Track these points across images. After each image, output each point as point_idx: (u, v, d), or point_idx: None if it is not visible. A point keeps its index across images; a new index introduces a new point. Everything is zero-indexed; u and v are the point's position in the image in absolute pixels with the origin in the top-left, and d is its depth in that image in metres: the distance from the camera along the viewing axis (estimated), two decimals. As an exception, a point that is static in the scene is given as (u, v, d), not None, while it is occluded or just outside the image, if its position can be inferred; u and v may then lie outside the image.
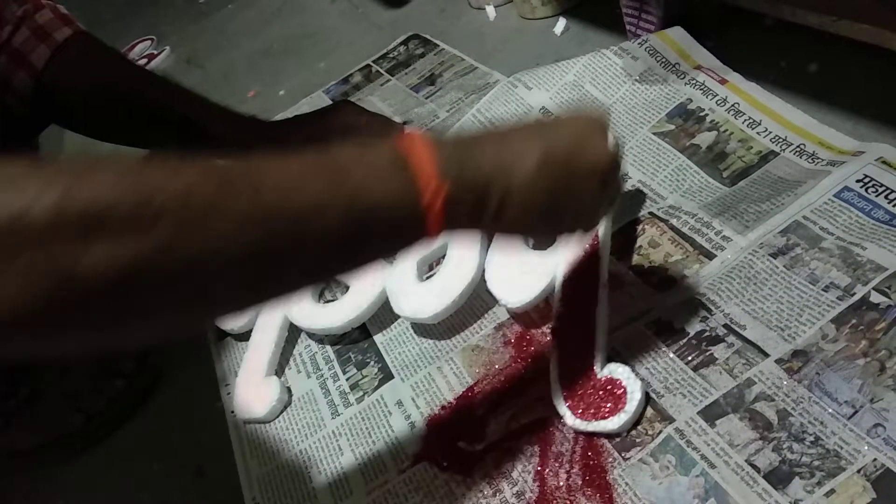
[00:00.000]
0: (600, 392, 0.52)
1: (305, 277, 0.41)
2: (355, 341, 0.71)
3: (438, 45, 1.07)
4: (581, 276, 0.57)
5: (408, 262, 0.68)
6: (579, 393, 0.52)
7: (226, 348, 0.78)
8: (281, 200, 0.36)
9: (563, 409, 0.52)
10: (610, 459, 0.50)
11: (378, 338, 0.69)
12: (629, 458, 0.49)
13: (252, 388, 0.70)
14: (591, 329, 0.54)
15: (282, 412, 0.68)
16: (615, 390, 0.51)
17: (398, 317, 0.69)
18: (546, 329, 0.60)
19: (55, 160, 0.33)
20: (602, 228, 0.58)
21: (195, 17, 1.65)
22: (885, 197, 0.54)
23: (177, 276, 0.34)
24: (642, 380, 0.52)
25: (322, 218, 0.38)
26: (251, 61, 1.35)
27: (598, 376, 0.52)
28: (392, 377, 0.65)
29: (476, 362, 0.62)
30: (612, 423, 0.50)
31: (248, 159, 0.37)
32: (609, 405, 0.51)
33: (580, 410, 0.52)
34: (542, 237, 0.51)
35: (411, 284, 0.66)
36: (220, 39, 1.50)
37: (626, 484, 0.48)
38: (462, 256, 0.65)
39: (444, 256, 0.67)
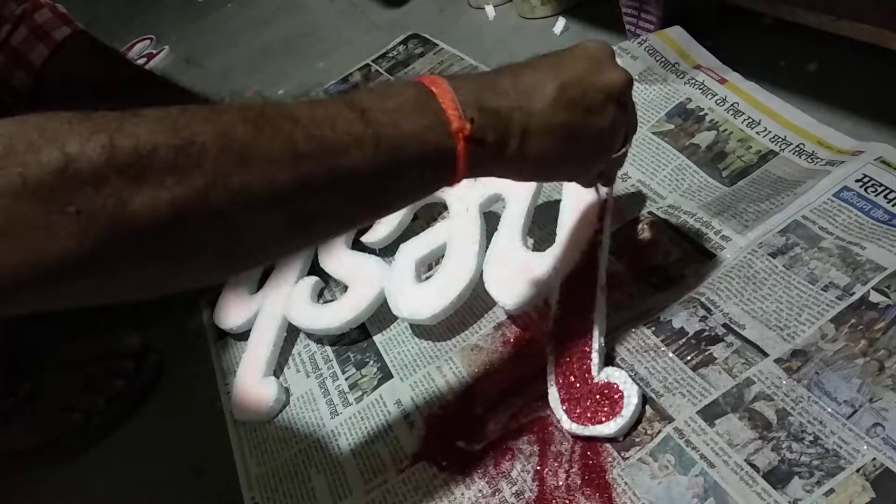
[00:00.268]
0: (597, 396, 0.52)
1: (342, 215, 0.42)
2: (354, 341, 0.71)
3: (438, 45, 1.07)
4: (579, 279, 0.57)
5: (406, 263, 0.68)
6: (576, 397, 0.52)
7: (225, 348, 0.78)
8: (314, 137, 0.37)
9: (560, 412, 0.52)
10: (609, 459, 0.50)
11: (377, 337, 0.69)
12: (628, 458, 0.49)
13: (250, 389, 0.70)
14: (589, 332, 0.54)
15: (279, 413, 0.68)
16: (612, 394, 0.51)
17: (397, 317, 0.69)
18: (545, 328, 0.60)
19: (95, 113, 0.35)
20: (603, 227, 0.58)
21: (194, 16, 1.65)
22: (885, 196, 0.54)
23: (222, 213, 0.35)
24: (639, 383, 0.52)
25: (354, 153, 0.38)
26: (250, 60, 1.35)
27: (595, 380, 0.52)
28: (391, 377, 0.65)
29: (475, 362, 0.62)
30: (609, 428, 0.50)
31: (281, 103, 0.38)
32: (606, 409, 0.51)
33: (577, 414, 0.52)
34: (564, 173, 0.52)
35: (410, 285, 0.66)
36: (219, 39, 1.50)
37: (626, 483, 0.48)
38: (460, 257, 0.65)
39: (442, 257, 0.67)
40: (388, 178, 0.41)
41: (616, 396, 0.51)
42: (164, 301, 0.38)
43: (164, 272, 0.36)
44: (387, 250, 0.74)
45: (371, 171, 0.39)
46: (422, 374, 0.63)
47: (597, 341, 0.53)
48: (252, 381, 0.70)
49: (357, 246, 0.76)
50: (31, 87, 0.74)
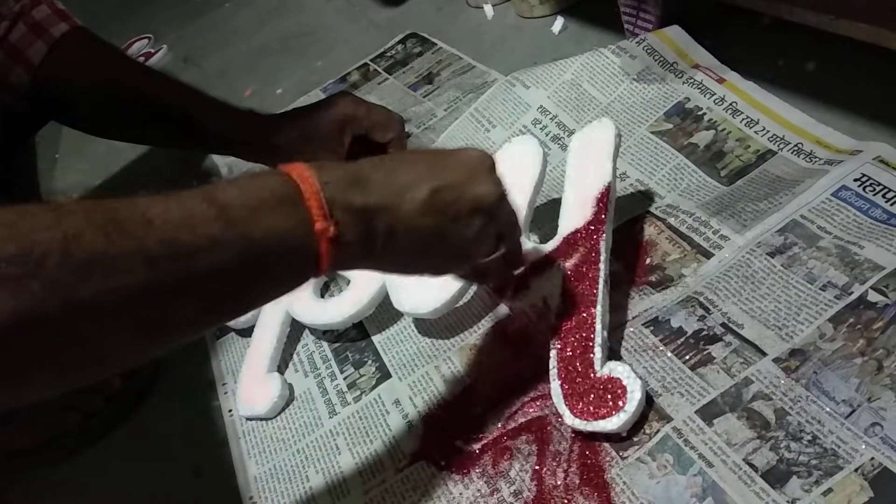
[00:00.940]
0: (600, 391, 0.51)
1: (198, 318, 0.40)
2: (353, 340, 0.71)
3: (436, 44, 1.07)
4: (581, 274, 0.57)
5: None
6: (579, 392, 0.52)
7: (224, 347, 0.78)
8: (169, 240, 0.36)
9: (563, 407, 0.52)
10: (607, 458, 0.50)
11: (376, 337, 0.69)
12: (627, 458, 0.49)
13: (254, 385, 0.69)
14: (592, 327, 0.54)
15: (284, 409, 0.68)
16: (615, 389, 0.51)
17: (396, 316, 0.69)
18: (544, 328, 0.60)
19: None
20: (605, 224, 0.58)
21: (192, 15, 1.64)
22: (883, 196, 0.54)
23: (62, 325, 0.33)
24: (642, 378, 0.52)
25: (211, 255, 0.37)
26: (248, 60, 1.35)
27: (598, 375, 0.52)
28: (390, 376, 0.65)
29: (474, 361, 0.62)
30: (612, 424, 0.50)
31: (135, 200, 0.37)
32: (609, 404, 0.50)
33: (579, 409, 0.51)
34: (428, 271, 0.52)
35: (411, 280, 0.66)
36: (217, 38, 1.50)
37: (624, 483, 0.48)
38: None
39: None
40: (247, 279, 0.40)
41: (619, 391, 0.50)
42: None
43: (8, 385, 0.34)
44: None
45: (229, 273, 0.38)
46: (420, 374, 0.63)
47: (599, 335, 0.53)
48: (256, 377, 0.70)
49: None
50: (30, 85, 0.74)
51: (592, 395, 0.51)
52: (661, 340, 0.54)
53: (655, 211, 0.64)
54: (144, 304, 0.36)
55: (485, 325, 0.64)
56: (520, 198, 0.64)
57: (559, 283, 0.58)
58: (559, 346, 0.55)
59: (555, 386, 0.54)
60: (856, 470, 0.42)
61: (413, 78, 1.02)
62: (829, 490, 0.42)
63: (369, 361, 0.68)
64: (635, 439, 0.50)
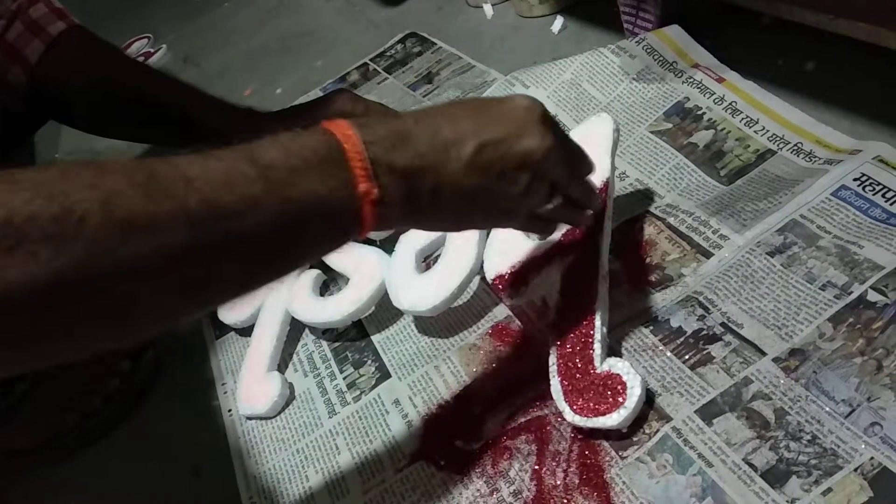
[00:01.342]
0: (599, 387, 0.51)
1: (240, 279, 0.40)
2: (352, 340, 0.71)
3: (436, 44, 1.07)
4: (581, 269, 0.57)
5: (406, 254, 0.68)
6: (578, 388, 0.52)
7: (223, 346, 0.78)
8: (209, 201, 0.36)
9: (563, 404, 0.52)
10: (607, 458, 0.50)
11: (375, 337, 0.69)
12: (626, 457, 0.49)
13: (254, 384, 0.69)
14: (591, 323, 0.54)
15: (284, 408, 0.68)
16: (615, 385, 0.51)
17: (396, 315, 0.69)
18: (544, 327, 0.60)
19: None
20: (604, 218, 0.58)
21: (192, 15, 1.64)
22: (883, 196, 0.54)
23: (106, 284, 0.33)
24: (642, 373, 0.51)
25: (252, 216, 0.37)
26: (248, 59, 1.35)
27: (598, 371, 0.52)
28: (389, 376, 0.65)
29: (473, 361, 0.62)
30: (612, 420, 0.49)
31: (174, 159, 0.36)
32: (609, 401, 0.50)
33: (579, 406, 0.51)
34: (478, 226, 0.52)
35: (410, 277, 0.66)
36: (216, 38, 1.50)
37: (624, 483, 0.48)
38: (460, 248, 0.65)
39: (442, 248, 0.67)
40: (288, 240, 0.39)
41: (619, 387, 0.50)
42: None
43: (44, 345, 0.34)
44: (388, 241, 0.74)
45: (270, 233, 0.38)
46: (420, 374, 0.63)
47: (599, 331, 0.53)
48: (256, 376, 0.70)
49: None
50: (28, 84, 0.74)
51: (592, 392, 0.51)
52: (660, 340, 0.54)
53: (655, 210, 0.64)
54: (186, 263, 0.35)
55: (484, 324, 0.64)
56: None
57: (558, 281, 0.58)
58: (559, 343, 0.55)
59: (554, 383, 0.53)
60: (855, 469, 0.42)
61: (412, 77, 1.02)
62: (829, 490, 0.42)
63: (369, 361, 0.68)
64: (635, 439, 0.50)
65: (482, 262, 0.64)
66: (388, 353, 0.67)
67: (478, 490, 0.53)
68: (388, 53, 1.11)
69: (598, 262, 0.56)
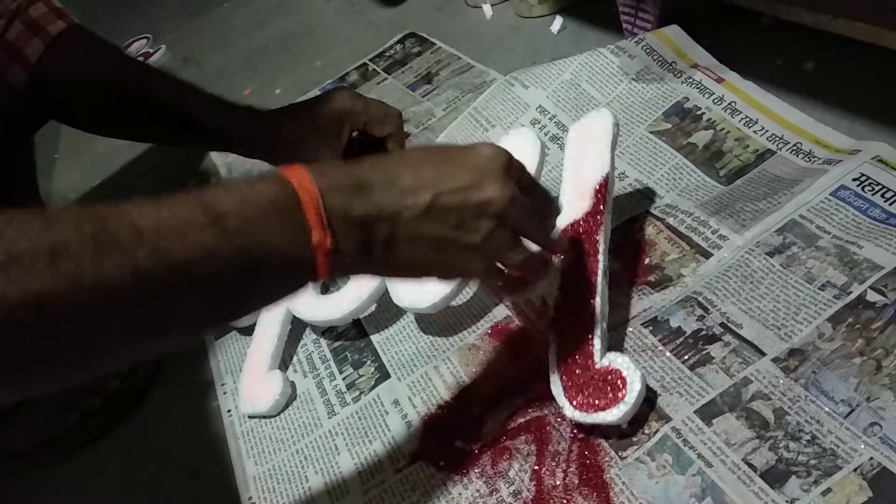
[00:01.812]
0: (599, 383, 0.51)
1: (194, 323, 0.40)
2: (352, 340, 0.71)
3: (435, 44, 1.07)
4: (580, 266, 0.57)
5: None
6: (578, 383, 0.52)
7: (223, 347, 0.78)
8: (159, 251, 0.36)
9: (563, 399, 0.52)
10: (607, 459, 0.50)
11: (375, 337, 0.69)
12: (626, 458, 0.49)
13: (255, 383, 0.69)
14: (591, 319, 0.53)
15: (286, 407, 0.68)
16: (614, 381, 0.50)
17: (395, 316, 0.69)
18: (543, 328, 0.60)
19: None
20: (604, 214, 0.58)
21: (191, 15, 1.64)
22: (882, 196, 0.54)
23: (52, 331, 0.33)
24: (642, 370, 0.51)
25: (205, 265, 0.37)
26: (248, 59, 1.35)
27: (598, 366, 0.52)
28: (389, 376, 0.65)
29: (473, 361, 0.62)
30: (611, 415, 0.49)
31: (126, 207, 0.36)
32: (608, 396, 0.50)
33: (579, 402, 0.51)
34: (436, 277, 0.50)
35: None
36: (216, 38, 1.50)
37: (623, 483, 0.48)
38: None
39: None
40: (241, 287, 0.39)
41: (619, 383, 0.50)
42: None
43: None
44: None
45: (223, 281, 0.38)
46: (419, 374, 0.63)
47: (599, 327, 0.53)
48: (257, 375, 0.70)
49: None
50: (28, 83, 0.73)
51: (592, 388, 0.51)
52: (659, 340, 0.54)
53: (654, 211, 0.64)
54: (133, 311, 0.36)
55: (484, 325, 0.64)
56: None
57: (558, 279, 0.58)
58: (558, 339, 0.55)
59: (554, 378, 0.53)
60: (855, 470, 0.42)
61: (412, 78, 1.02)
62: (828, 490, 0.42)
63: (368, 362, 0.68)
64: (634, 439, 0.50)
65: None
66: (388, 353, 0.67)
67: (477, 490, 0.53)
68: (387, 54, 1.11)
69: (597, 258, 0.56)
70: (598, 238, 0.56)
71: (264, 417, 0.68)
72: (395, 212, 0.43)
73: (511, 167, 0.47)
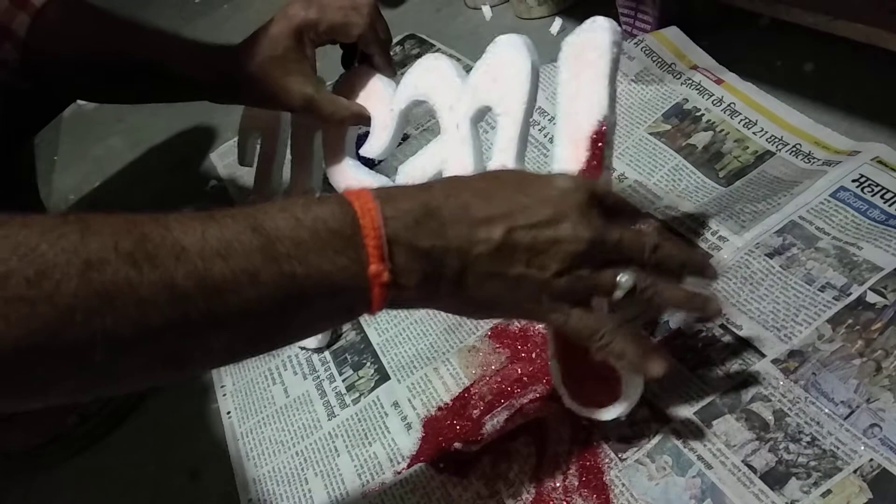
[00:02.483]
0: (599, 375, 0.49)
1: (229, 351, 0.38)
2: (352, 342, 0.71)
3: (434, 45, 1.07)
4: None
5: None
6: (577, 376, 0.50)
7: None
8: (200, 274, 0.33)
9: (562, 389, 0.51)
10: (606, 460, 0.50)
11: (374, 339, 0.69)
12: (626, 459, 0.49)
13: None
14: None
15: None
16: (615, 374, 0.48)
17: (395, 317, 0.69)
18: (542, 329, 0.60)
19: None
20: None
21: (190, 17, 1.64)
22: (881, 197, 0.54)
23: (79, 352, 0.32)
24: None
25: (248, 290, 0.35)
26: (247, 61, 1.35)
27: (598, 359, 0.51)
28: (388, 378, 0.65)
29: (472, 363, 0.62)
30: (610, 413, 0.48)
31: (171, 221, 0.34)
32: (608, 389, 0.48)
33: (577, 393, 0.50)
34: (509, 316, 0.47)
35: None
36: (215, 39, 1.49)
37: (623, 485, 0.48)
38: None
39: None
40: (285, 316, 0.37)
41: (618, 375, 0.48)
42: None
43: (13, 401, 0.33)
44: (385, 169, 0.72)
45: (266, 309, 0.35)
46: (419, 376, 0.63)
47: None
48: None
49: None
50: (21, 59, 0.73)
51: (592, 381, 0.49)
52: (659, 341, 0.54)
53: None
54: (167, 337, 0.34)
55: (483, 326, 0.64)
56: (511, 124, 0.55)
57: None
58: (558, 334, 0.53)
59: (553, 365, 0.51)
60: (855, 471, 0.42)
61: (411, 79, 1.02)
62: (828, 491, 0.42)
63: (368, 363, 0.68)
64: (634, 441, 0.50)
65: None
66: (388, 355, 0.67)
67: (477, 492, 0.53)
68: (386, 55, 1.11)
69: None
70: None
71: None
72: (466, 246, 0.39)
73: (591, 204, 0.42)
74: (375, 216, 0.37)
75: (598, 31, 0.52)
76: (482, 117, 0.59)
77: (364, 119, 0.67)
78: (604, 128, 0.50)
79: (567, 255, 0.41)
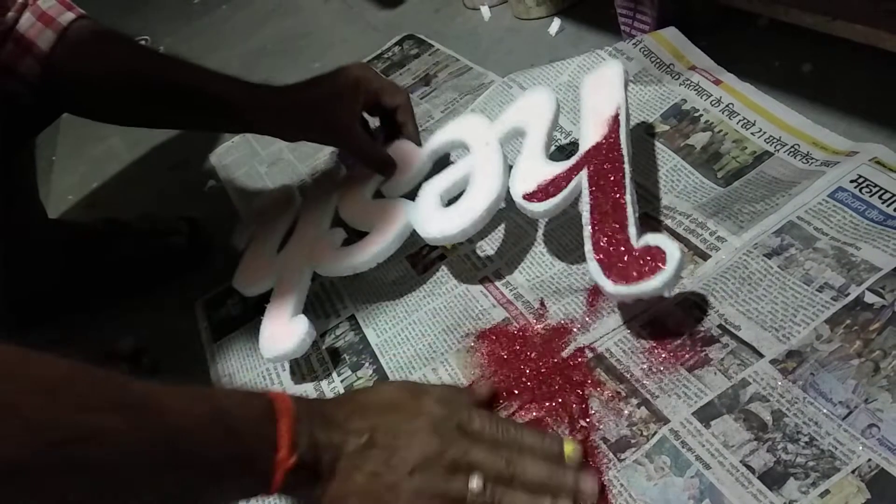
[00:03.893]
0: (638, 259, 0.52)
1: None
2: (350, 342, 0.71)
3: (433, 46, 1.07)
4: (606, 171, 0.58)
5: (429, 195, 0.69)
6: (617, 264, 0.53)
7: (222, 349, 0.78)
8: (166, 422, 0.40)
9: (603, 280, 0.53)
10: (605, 461, 0.50)
11: (373, 339, 0.69)
12: (624, 460, 0.49)
13: (279, 328, 0.68)
14: (623, 210, 0.55)
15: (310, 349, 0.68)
16: (654, 253, 0.51)
17: (394, 318, 0.69)
18: (541, 330, 0.60)
19: None
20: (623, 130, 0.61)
21: (189, 17, 1.64)
22: (879, 197, 0.54)
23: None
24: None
25: (193, 438, 0.41)
26: (246, 61, 1.35)
27: (636, 247, 0.53)
28: (387, 379, 0.65)
29: (470, 364, 0.62)
30: (654, 283, 0.50)
31: (147, 391, 0.42)
32: (650, 265, 0.51)
33: (619, 275, 0.52)
34: None
35: (435, 210, 0.67)
36: (214, 40, 1.50)
37: (621, 485, 0.48)
38: (485, 179, 0.66)
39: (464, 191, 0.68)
40: (193, 484, 0.42)
41: (659, 255, 0.51)
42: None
43: None
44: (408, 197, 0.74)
45: (203, 461, 0.41)
46: (418, 377, 0.63)
47: (632, 217, 0.55)
48: (280, 322, 0.69)
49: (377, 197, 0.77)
50: (41, 75, 0.74)
51: (632, 264, 0.52)
52: (657, 342, 0.54)
53: (652, 213, 0.64)
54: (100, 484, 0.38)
55: (482, 327, 0.64)
56: (538, 130, 0.67)
57: (587, 187, 0.59)
58: (594, 230, 0.56)
59: (592, 264, 0.54)
60: (853, 471, 0.42)
61: (410, 80, 1.02)
62: (827, 492, 0.42)
63: (366, 364, 0.68)
64: (632, 441, 0.50)
65: (507, 189, 0.65)
66: (386, 355, 0.67)
67: (476, 492, 0.53)
68: (385, 55, 1.11)
69: (622, 165, 0.58)
70: (620, 149, 0.59)
71: (288, 359, 0.68)
72: (341, 443, 0.47)
73: (449, 423, 0.49)
74: (291, 415, 0.45)
75: (611, 66, 0.66)
76: (511, 139, 0.70)
77: (393, 170, 0.75)
78: (620, 109, 0.62)
79: (418, 457, 0.47)
